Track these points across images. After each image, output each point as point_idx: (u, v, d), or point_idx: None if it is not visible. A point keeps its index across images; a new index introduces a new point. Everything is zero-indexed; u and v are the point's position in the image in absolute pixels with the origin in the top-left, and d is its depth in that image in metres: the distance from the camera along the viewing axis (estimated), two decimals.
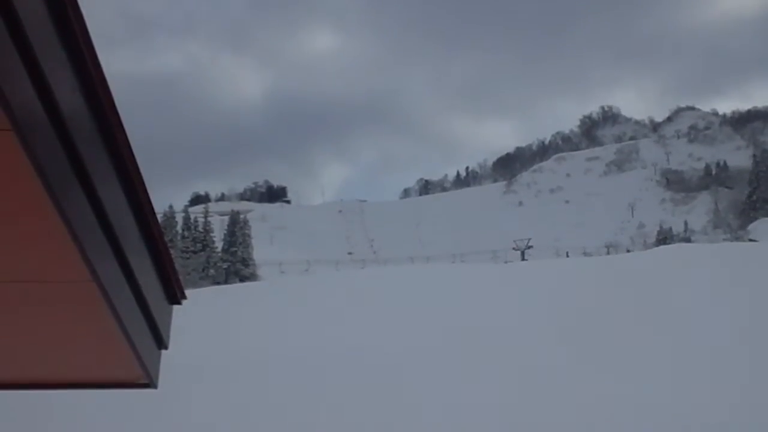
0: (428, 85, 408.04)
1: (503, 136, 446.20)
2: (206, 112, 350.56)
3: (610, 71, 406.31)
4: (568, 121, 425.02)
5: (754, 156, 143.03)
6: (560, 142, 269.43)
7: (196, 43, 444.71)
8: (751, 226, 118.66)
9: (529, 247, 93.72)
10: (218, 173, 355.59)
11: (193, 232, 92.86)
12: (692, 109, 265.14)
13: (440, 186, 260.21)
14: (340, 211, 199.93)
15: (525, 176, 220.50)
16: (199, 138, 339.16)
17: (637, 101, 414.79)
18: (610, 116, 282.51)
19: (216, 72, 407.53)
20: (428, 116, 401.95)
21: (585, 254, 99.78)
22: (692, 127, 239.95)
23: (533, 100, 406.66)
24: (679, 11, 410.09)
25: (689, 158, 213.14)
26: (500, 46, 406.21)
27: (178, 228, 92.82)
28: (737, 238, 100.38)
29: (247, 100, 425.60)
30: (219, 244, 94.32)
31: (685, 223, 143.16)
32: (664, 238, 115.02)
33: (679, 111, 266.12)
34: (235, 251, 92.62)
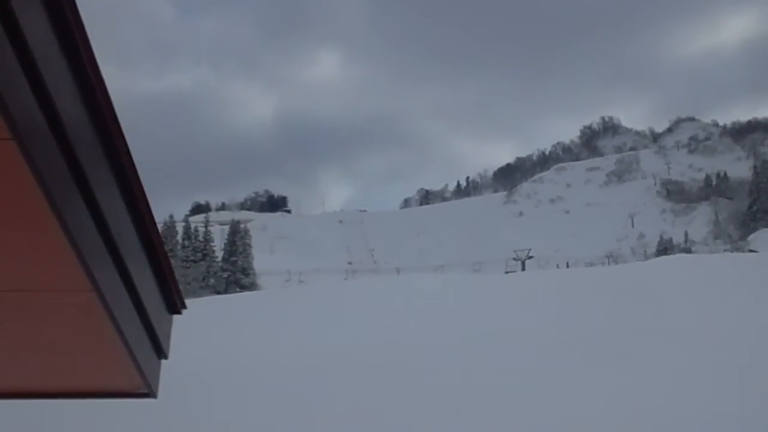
0: (430, 107, 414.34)
1: (503, 153, 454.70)
2: (214, 131, 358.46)
3: (605, 90, 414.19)
4: (568, 134, 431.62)
5: (755, 167, 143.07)
6: (560, 153, 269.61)
7: (206, 65, 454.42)
8: (751, 237, 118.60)
9: (530, 258, 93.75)
10: (222, 189, 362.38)
11: (194, 241, 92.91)
12: (692, 119, 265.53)
13: (441, 196, 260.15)
14: (341, 221, 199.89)
15: (525, 186, 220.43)
16: (205, 155, 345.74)
17: (637, 112, 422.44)
18: (610, 127, 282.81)
19: (224, 93, 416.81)
20: (430, 136, 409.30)
21: (586, 264, 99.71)
22: (692, 138, 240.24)
23: (532, 119, 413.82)
24: (663, 38, 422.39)
25: (689, 169, 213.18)
26: (499, 69, 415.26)
27: (179, 237, 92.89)
28: (737, 249, 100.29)
29: (254, 120, 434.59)
30: (219, 254, 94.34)
31: (686, 234, 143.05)
32: (665, 248, 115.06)
33: (679, 122, 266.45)
34: (236, 261, 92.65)
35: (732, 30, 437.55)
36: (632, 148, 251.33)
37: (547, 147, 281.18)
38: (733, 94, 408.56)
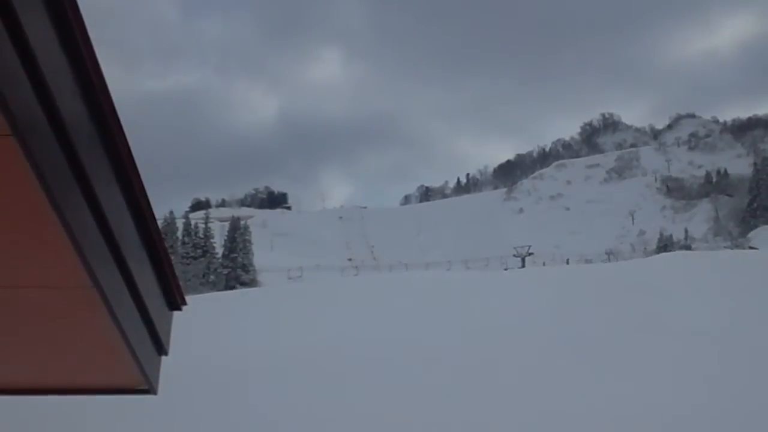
0: (430, 105, 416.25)
1: (504, 151, 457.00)
2: (217, 130, 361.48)
3: (604, 91, 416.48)
4: (568, 132, 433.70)
5: (755, 164, 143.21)
6: (561, 150, 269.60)
7: (209, 65, 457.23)
8: (751, 234, 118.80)
9: (530, 254, 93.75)
10: (222, 186, 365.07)
11: (194, 238, 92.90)
12: (692, 116, 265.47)
13: (441, 193, 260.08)
14: (341, 218, 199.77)
15: (525, 183, 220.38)
16: (207, 154, 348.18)
17: (637, 112, 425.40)
18: (610, 124, 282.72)
19: (227, 93, 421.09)
20: (430, 135, 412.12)
21: (585, 261, 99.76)
22: (693, 135, 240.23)
23: (532, 118, 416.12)
24: (661, 40, 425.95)
25: (690, 166, 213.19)
26: (499, 68, 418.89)
27: (179, 234, 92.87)
28: (737, 246, 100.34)
29: (256, 120, 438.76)
30: (219, 250, 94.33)
31: (686, 231, 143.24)
32: (665, 245, 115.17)
33: (679, 119, 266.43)
34: (236, 257, 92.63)
35: (728, 32, 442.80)
36: (632, 145, 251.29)
37: (547, 144, 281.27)
38: (730, 96, 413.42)
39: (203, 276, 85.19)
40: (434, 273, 54.36)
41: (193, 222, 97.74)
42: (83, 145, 2.51)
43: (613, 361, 22.89)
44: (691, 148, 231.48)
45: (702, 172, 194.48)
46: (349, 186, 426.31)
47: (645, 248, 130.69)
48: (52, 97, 2.26)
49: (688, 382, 20.63)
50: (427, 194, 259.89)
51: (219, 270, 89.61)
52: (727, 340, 24.22)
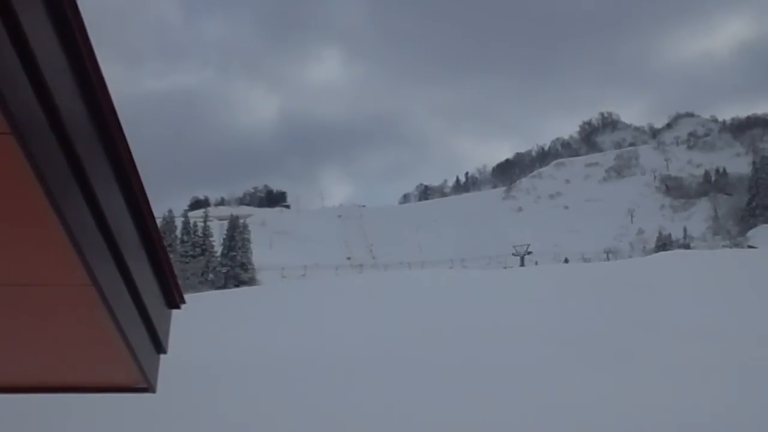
0: (430, 105, 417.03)
1: (503, 150, 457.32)
2: (217, 130, 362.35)
3: (603, 90, 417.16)
4: (567, 131, 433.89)
5: (754, 163, 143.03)
6: (560, 148, 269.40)
7: (211, 66, 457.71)
8: (750, 233, 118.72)
9: (529, 253, 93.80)
10: (221, 185, 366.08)
11: (193, 236, 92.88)
12: (691, 115, 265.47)
13: (440, 191, 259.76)
14: (340, 216, 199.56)
15: (524, 182, 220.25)
16: (208, 154, 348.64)
17: (636, 111, 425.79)
18: (609, 122, 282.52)
19: (228, 93, 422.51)
20: (430, 134, 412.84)
21: (584, 260, 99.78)
22: (691, 134, 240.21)
23: (531, 117, 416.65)
24: (659, 39, 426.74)
25: (688, 165, 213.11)
26: (498, 68, 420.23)
27: (178, 232, 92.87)
28: (736, 245, 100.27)
29: (256, 120, 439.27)
30: (218, 249, 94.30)
31: (685, 230, 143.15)
32: (664, 244, 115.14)
33: (678, 117, 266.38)
34: (235, 256, 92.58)
35: (726, 31, 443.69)
36: (631, 144, 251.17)
37: (546, 143, 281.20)
38: (728, 95, 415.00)
39: (202, 274, 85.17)
40: (434, 271, 54.36)
41: (192, 220, 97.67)
42: (83, 145, 2.52)
43: (612, 359, 22.90)
44: (690, 147, 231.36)
45: (701, 171, 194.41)
46: (348, 185, 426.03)
47: (644, 247, 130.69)
48: (52, 97, 2.26)
49: (686, 379, 20.64)
50: (426, 193, 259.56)
51: (218, 268, 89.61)
52: (726, 338, 24.24)
